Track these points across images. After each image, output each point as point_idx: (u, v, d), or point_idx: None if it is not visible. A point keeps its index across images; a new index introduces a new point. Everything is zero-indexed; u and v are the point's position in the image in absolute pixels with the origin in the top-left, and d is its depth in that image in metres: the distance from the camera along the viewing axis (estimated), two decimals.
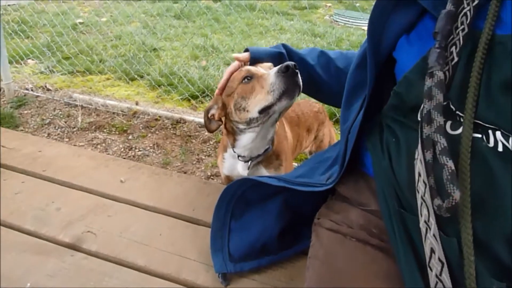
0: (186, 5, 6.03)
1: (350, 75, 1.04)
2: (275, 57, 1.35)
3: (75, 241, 1.24)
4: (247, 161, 1.52)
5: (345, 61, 1.34)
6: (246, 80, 1.29)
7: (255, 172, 1.59)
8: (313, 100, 1.72)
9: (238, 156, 1.52)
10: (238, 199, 1.24)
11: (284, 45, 1.37)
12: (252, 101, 1.28)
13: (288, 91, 1.19)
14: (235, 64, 1.36)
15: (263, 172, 1.58)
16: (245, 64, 1.37)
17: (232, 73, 1.36)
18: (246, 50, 1.37)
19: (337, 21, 7.11)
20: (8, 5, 5.70)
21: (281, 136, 1.60)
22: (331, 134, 2.33)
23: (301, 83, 1.19)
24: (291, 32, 5.84)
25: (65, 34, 4.44)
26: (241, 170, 1.57)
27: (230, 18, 6.22)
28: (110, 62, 4.17)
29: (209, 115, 1.42)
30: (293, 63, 1.16)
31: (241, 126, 1.39)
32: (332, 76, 1.34)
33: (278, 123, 1.58)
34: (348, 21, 6.93)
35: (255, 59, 1.35)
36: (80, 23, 5.32)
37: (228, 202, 1.23)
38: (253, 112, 1.28)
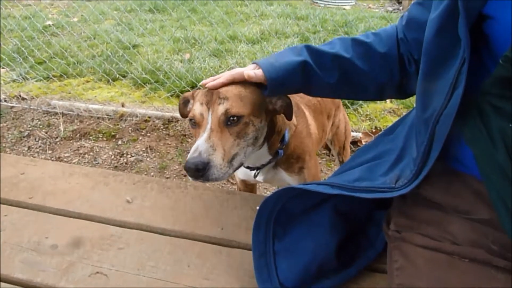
0: None
1: (427, 47, 0.80)
2: (297, 72, 1.04)
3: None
4: (253, 170, 1.32)
5: (383, 43, 1.06)
6: (192, 122, 1.09)
7: (275, 177, 1.40)
8: None
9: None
10: (278, 214, 1.00)
11: (307, 47, 1.07)
12: None
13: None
14: (240, 72, 1.07)
15: (284, 176, 1.38)
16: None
17: (233, 80, 1.08)
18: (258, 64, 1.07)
19: (317, 2, 6.96)
20: None
21: (301, 135, 1.38)
22: (346, 119, 2.12)
23: (211, 177, 0.99)
24: (273, 17, 5.59)
25: (36, 37, 4.08)
26: (259, 175, 1.37)
27: (207, 8, 5.92)
28: (88, 63, 3.85)
29: (187, 109, 1.21)
30: (195, 165, 0.95)
31: None
32: (375, 66, 1.05)
33: (294, 119, 1.35)
34: (329, 2, 6.75)
35: (273, 80, 1.04)
36: (49, 25, 4.94)
37: (268, 220, 1.00)
38: None
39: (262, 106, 1.11)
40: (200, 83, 1.12)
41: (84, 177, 1.34)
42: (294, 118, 1.34)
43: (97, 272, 1.00)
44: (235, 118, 1.03)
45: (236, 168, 1.07)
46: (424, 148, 0.78)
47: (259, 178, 1.38)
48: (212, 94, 1.05)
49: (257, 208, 1.22)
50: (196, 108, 1.06)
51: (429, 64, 0.80)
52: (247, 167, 1.33)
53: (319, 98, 1.67)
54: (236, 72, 1.07)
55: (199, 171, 0.96)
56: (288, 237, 1.00)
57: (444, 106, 0.74)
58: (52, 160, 2.72)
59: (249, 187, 1.66)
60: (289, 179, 1.39)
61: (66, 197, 1.25)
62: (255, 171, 1.32)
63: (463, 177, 0.80)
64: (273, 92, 1.10)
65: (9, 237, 1.11)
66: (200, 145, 0.99)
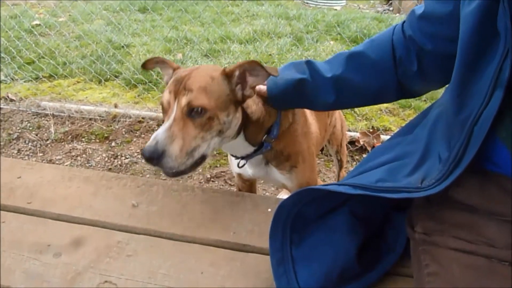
0: None
1: (464, 44, 0.76)
2: (294, 90, 1.13)
3: None
4: (237, 159, 1.30)
5: (375, 48, 1.08)
6: (162, 108, 1.10)
7: (266, 175, 1.37)
8: None
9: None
10: (294, 220, 0.96)
11: (308, 64, 1.13)
12: None
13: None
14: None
15: (275, 173, 1.34)
16: None
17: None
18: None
19: (307, 3, 6.94)
20: None
21: (295, 133, 1.33)
22: (341, 117, 2.08)
23: (165, 166, 0.99)
24: (264, 17, 5.56)
25: (25, 36, 3.97)
26: (247, 168, 1.35)
27: (198, 7, 5.86)
28: (79, 63, 3.75)
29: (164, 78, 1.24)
30: (149, 152, 0.96)
31: None
32: (369, 74, 1.08)
33: (290, 117, 1.31)
34: (319, 2, 6.75)
35: (273, 98, 1.17)
36: (37, 25, 4.82)
37: (284, 226, 0.96)
38: None
39: (229, 98, 1.09)
40: None
41: (85, 181, 1.28)
42: (290, 115, 1.30)
43: (106, 282, 0.94)
44: (198, 109, 1.02)
45: (197, 159, 1.05)
46: (458, 150, 0.75)
47: (249, 172, 1.36)
48: (180, 83, 1.05)
49: (269, 210, 1.18)
50: (165, 96, 1.06)
51: (465, 64, 0.76)
52: (233, 155, 1.31)
53: None
54: None
55: (153, 159, 0.96)
56: (306, 244, 0.97)
57: (483, 107, 0.70)
58: (44, 163, 2.64)
59: (246, 183, 1.62)
60: (282, 178, 1.35)
61: (67, 202, 1.19)
62: (239, 160, 1.29)
63: (498, 178, 0.77)
64: (277, 108, 1.21)
65: (9, 246, 1.04)
66: (159, 134, 0.99)
